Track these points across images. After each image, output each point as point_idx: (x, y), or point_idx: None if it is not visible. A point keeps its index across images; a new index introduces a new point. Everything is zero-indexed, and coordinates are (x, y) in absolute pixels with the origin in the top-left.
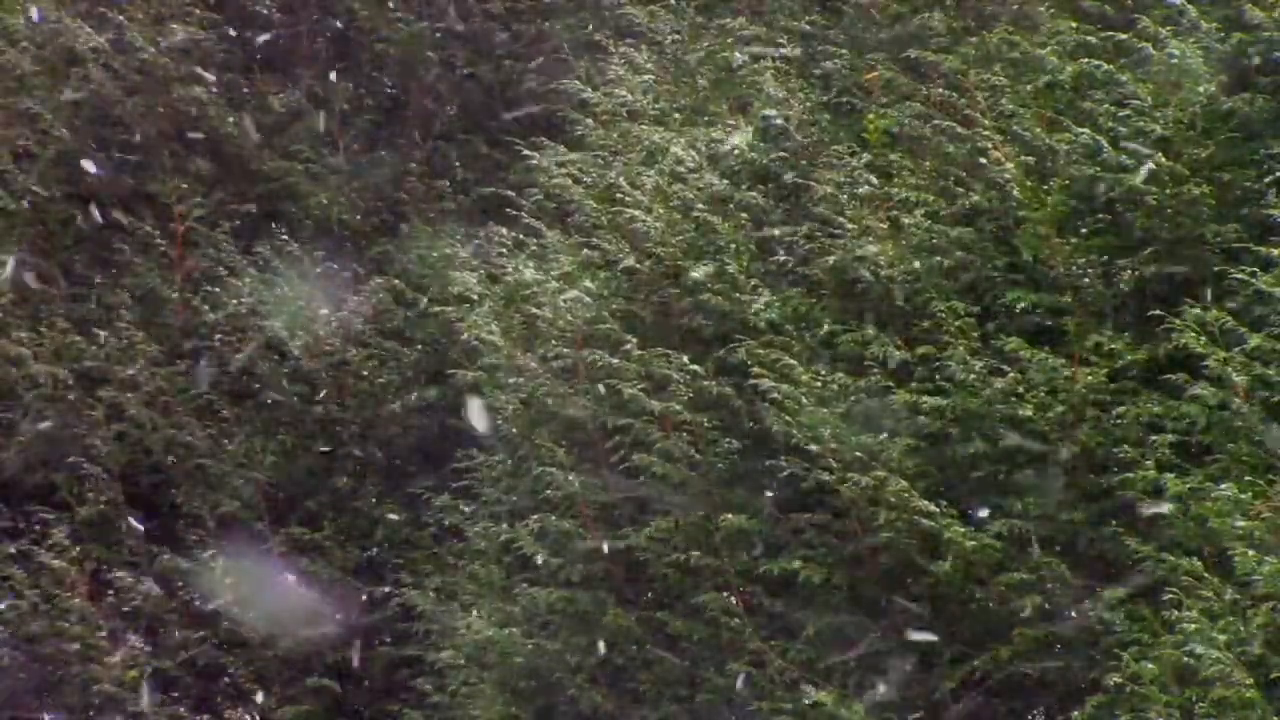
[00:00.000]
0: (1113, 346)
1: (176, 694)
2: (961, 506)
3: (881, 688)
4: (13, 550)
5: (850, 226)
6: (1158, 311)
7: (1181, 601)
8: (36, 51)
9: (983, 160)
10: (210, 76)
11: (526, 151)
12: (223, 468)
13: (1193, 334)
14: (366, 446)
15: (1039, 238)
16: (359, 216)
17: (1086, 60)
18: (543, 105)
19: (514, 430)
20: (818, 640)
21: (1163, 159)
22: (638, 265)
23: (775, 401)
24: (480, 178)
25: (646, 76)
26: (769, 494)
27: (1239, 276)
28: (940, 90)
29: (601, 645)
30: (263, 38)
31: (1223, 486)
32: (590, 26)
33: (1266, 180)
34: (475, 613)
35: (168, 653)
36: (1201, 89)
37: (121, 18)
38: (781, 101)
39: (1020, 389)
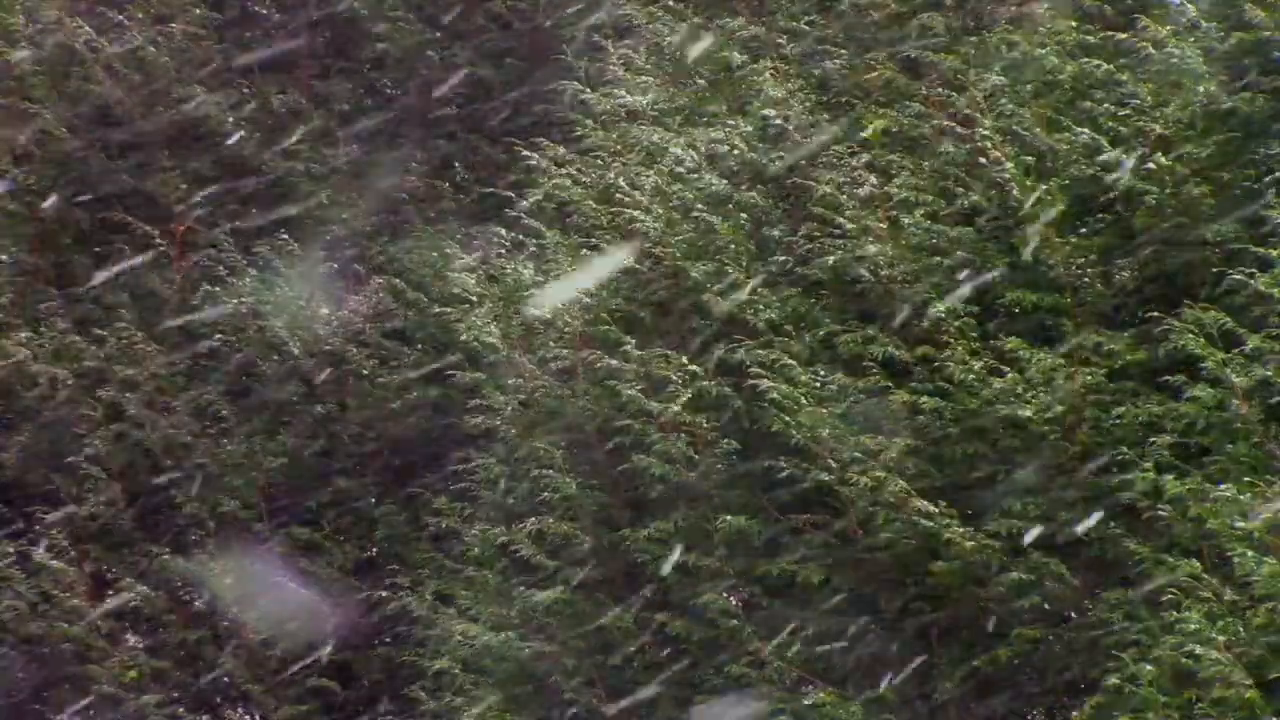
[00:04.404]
0: (1112, 346)
1: (176, 694)
2: (961, 506)
3: (881, 688)
4: (12, 550)
5: (850, 226)
6: (1156, 313)
7: (1181, 602)
8: (36, 51)
9: (983, 160)
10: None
11: (526, 151)
12: (223, 468)
13: (1191, 335)
14: (366, 446)
15: (1039, 238)
16: (359, 216)
17: (1086, 60)
18: (543, 105)
19: (512, 431)
20: (818, 640)
21: (1162, 158)
22: (638, 265)
23: (775, 402)
24: (480, 178)
25: (646, 77)
26: (768, 494)
27: (1238, 277)
28: (940, 90)
29: (599, 647)
30: (263, 37)
31: (1222, 487)
32: (590, 27)
33: (1266, 180)
34: (472, 618)
35: (168, 653)
36: (1201, 89)
37: (121, 18)
38: (781, 101)
39: (1020, 389)
